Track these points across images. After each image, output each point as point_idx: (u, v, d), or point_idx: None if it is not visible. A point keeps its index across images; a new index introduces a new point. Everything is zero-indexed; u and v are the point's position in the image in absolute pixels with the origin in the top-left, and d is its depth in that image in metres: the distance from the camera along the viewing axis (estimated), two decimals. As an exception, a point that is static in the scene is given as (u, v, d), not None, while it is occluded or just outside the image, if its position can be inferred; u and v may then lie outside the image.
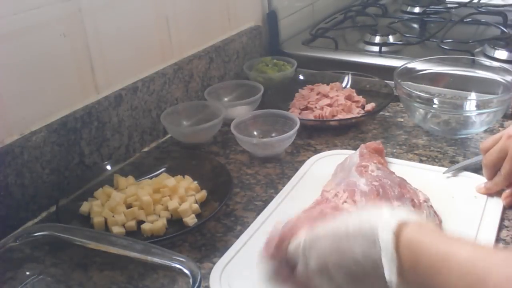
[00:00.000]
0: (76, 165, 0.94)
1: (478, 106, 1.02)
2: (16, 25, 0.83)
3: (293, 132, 1.00)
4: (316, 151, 1.02)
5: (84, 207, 0.86)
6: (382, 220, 0.55)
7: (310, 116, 1.12)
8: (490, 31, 1.44)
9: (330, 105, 1.13)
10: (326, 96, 1.16)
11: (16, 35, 0.84)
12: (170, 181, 0.89)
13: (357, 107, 1.15)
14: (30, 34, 0.85)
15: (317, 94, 1.17)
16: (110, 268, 0.71)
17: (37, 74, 0.88)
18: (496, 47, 1.27)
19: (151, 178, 0.93)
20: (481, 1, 1.65)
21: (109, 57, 1.00)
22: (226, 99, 1.20)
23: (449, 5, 1.68)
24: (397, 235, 0.54)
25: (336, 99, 1.14)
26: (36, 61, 0.87)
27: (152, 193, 0.87)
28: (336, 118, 1.10)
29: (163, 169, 0.95)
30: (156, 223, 0.83)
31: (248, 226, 0.82)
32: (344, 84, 1.23)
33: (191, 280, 0.64)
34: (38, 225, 0.85)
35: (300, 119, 1.03)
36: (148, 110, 1.08)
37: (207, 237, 0.82)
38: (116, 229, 0.82)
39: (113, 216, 0.84)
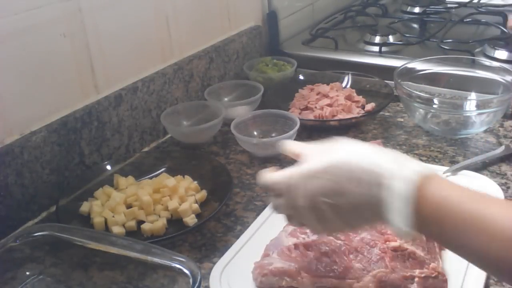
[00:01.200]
0: (76, 165, 0.94)
1: (478, 106, 1.02)
2: (16, 25, 0.83)
3: (293, 132, 1.00)
4: (316, 151, 1.02)
5: (84, 207, 0.86)
6: (397, 170, 0.54)
7: (310, 116, 1.12)
8: (490, 31, 1.44)
9: (330, 105, 1.13)
10: (326, 96, 1.16)
11: (16, 35, 0.84)
12: (170, 181, 0.89)
13: (357, 107, 1.15)
14: (30, 34, 0.86)
15: (317, 94, 1.17)
16: (110, 268, 0.71)
17: (37, 74, 0.88)
18: (496, 47, 1.27)
19: (151, 178, 0.93)
20: (481, 1, 1.65)
21: (109, 57, 1.00)
22: (226, 99, 1.20)
23: (449, 5, 1.68)
24: (420, 188, 0.53)
25: (336, 99, 1.14)
26: (36, 61, 0.87)
27: (152, 193, 0.87)
28: (336, 118, 1.10)
29: (163, 169, 0.95)
30: (156, 223, 0.83)
31: (248, 226, 0.82)
32: (344, 84, 1.23)
33: (191, 280, 0.64)
34: (38, 225, 0.85)
35: (300, 119, 1.03)
36: (148, 110, 1.08)
37: (207, 237, 0.82)
38: (116, 229, 0.82)
39: (113, 216, 0.84)
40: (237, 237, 0.80)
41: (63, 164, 0.92)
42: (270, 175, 0.65)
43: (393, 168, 0.54)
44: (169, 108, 1.10)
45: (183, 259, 0.67)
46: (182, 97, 1.16)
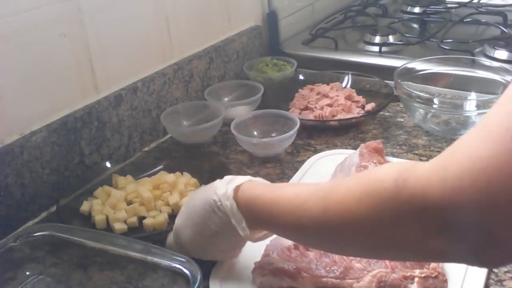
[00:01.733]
0: (76, 165, 0.94)
1: (478, 106, 1.02)
2: (16, 25, 0.83)
3: (293, 132, 1.00)
4: (316, 151, 1.02)
5: (85, 206, 0.86)
6: (219, 192, 0.66)
7: (310, 116, 1.12)
8: (490, 31, 1.44)
9: (330, 105, 1.13)
10: (326, 96, 1.16)
11: (16, 35, 0.84)
12: (170, 177, 0.89)
13: (357, 107, 1.15)
14: (30, 34, 0.85)
15: (317, 94, 1.17)
16: (110, 268, 0.71)
17: (37, 74, 0.88)
18: (496, 47, 1.27)
19: (149, 176, 0.93)
20: (481, 1, 1.65)
21: (109, 57, 1.00)
22: (226, 99, 1.20)
23: (449, 5, 1.68)
24: (236, 199, 0.65)
25: (336, 99, 1.14)
26: (36, 61, 0.87)
27: (152, 189, 0.87)
28: (336, 118, 1.10)
29: (160, 167, 0.95)
30: (158, 218, 0.83)
31: (248, 226, 0.82)
32: (344, 84, 1.23)
33: (191, 280, 0.64)
34: (38, 225, 0.85)
35: (300, 119, 1.03)
36: (148, 110, 1.08)
37: (207, 237, 0.82)
38: (118, 226, 0.82)
39: (114, 213, 0.84)
40: (237, 237, 0.80)
41: (63, 164, 0.92)
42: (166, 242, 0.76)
43: (221, 191, 0.66)
44: (169, 108, 1.10)
45: (183, 259, 0.67)
46: (182, 97, 1.16)
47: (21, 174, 0.85)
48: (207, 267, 0.75)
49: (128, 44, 1.04)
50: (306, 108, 1.15)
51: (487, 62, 1.15)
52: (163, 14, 1.11)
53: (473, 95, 1.11)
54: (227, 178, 0.69)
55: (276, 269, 0.69)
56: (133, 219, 0.83)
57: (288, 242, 0.72)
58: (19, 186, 0.85)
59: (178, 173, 0.92)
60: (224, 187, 0.67)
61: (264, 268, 0.70)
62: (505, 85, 1.05)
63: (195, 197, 0.72)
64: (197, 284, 0.63)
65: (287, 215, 0.60)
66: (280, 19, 1.44)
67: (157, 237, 0.78)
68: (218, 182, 0.69)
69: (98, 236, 0.74)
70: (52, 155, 0.90)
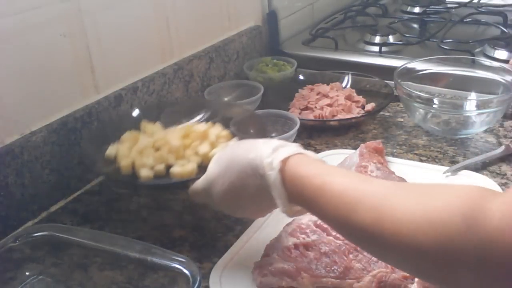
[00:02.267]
0: (76, 165, 0.94)
1: (478, 106, 1.02)
2: (16, 25, 0.83)
3: (293, 132, 1.00)
4: (316, 151, 1.02)
5: (111, 150, 0.82)
6: (265, 160, 0.62)
7: (310, 116, 1.12)
8: (490, 31, 1.44)
9: (330, 105, 1.13)
10: (326, 96, 1.16)
11: (16, 35, 0.84)
12: (201, 126, 0.84)
13: (357, 107, 1.15)
14: (30, 34, 0.85)
15: (317, 94, 1.17)
16: (110, 268, 0.71)
17: (37, 74, 0.88)
18: (496, 47, 1.27)
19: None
20: (481, 1, 1.65)
21: (109, 57, 1.00)
22: (226, 99, 1.20)
23: (449, 5, 1.68)
24: (282, 171, 0.61)
25: (336, 99, 1.14)
26: (36, 61, 0.87)
27: (181, 138, 0.82)
28: (336, 118, 1.10)
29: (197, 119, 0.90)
30: (186, 167, 0.78)
31: (248, 226, 0.82)
32: (344, 84, 1.23)
33: (191, 280, 0.64)
34: (38, 225, 0.85)
35: (300, 119, 1.03)
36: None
37: (207, 237, 0.82)
38: (144, 172, 0.78)
39: (141, 159, 0.79)
40: (237, 237, 0.80)
41: (63, 164, 0.92)
42: (191, 187, 0.74)
43: (267, 159, 0.63)
44: (169, 108, 1.10)
45: (183, 259, 0.67)
46: (182, 97, 1.16)
47: (21, 174, 0.85)
48: (207, 267, 0.75)
49: (128, 44, 1.04)
50: (306, 108, 1.15)
51: (487, 62, 1.15)
52: (163, 14, 1.11)
53: (473, 95, 1.11)
54: (273, 143, 0.64)
55: (276, 269, 0.69)
56: (160, 167, 0.79)
57: (288, 242, 0.72)
58: (19, 186, 0.85)
59: (210, 123, 0.87)
60: (270, 156, 0.62)
61: (264, 268, 0.70)
62: (505, 85, 1.05)
63: (235, 153, 0.68)
64: (197, 284, 0.63)
65: (333, 210, 0.56)
66: (280, 19, 1.44)
67: (182, 184, 0.75)
68: (263, 146, 0.65)
69: (98, 236, 0.74)
70: (52, 155, 0.90)
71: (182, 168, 0.79)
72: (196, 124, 0.86)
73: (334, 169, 0.62)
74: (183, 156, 0.82)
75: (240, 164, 0.66)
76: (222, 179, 0.68)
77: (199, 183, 0.72)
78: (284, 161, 0.62)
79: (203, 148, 0.81)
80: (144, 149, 0.81)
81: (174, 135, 0.83)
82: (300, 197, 0.61)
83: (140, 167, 0.79)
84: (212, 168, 0.70)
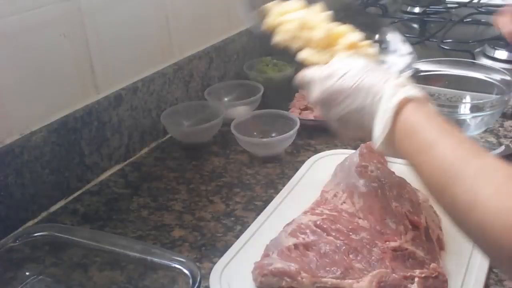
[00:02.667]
0: (76, 165, 0.94)
1: (472, 109, 1.01)
2: (16, 25, 0.83)
3: (293, 132, 1.00)
4: (316, 151, 1.02)
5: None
6: (386, 92, 0.63)
7: (310, 116, 1.12)
8: (490, 31, 1.44)
9: (330, 105, 1.13)
10: (326, 96, 1.16)
11: (16, 35, 0.84)
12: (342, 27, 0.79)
13: (357, 107, 1.14)
14: (30, 34, 0.85)
15: (317, 94, 1.17)
16: (110, 268, 0.71)
17: (37, 74, 0.88)
18: (496, 47, 1.27)
19: None
20: (481, 1, 1.65)
21: (109, 57, 1.00)
22: (226, 99, 1.20)
23: (449, 5, 1.68)
24: (399, 108, 0.61)
25: (336, 99, 1.13)
26: (36, 61, 0.87)
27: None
28: (336, 118, 1.10)
29: None
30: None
31: (248, 226, 0.82)
32: (344, 84, 1.22)
33: (191, 280, 0.64)
34: (38, 225, 0.85)
35: (300, 119, 1.03)
36: (148, 110, 1.08)
37: (207, 237, 0.82)
38: (306, 53, 0.77)
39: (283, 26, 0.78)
40: (237, 237, 0.80)
41: (63, 164, 0.92)
42: (303, 73, 0.75)
43: (389, 89, 0.63)
44: (169, 108, 1.10)
45: (183, 259, 0.67)
46: (182, 97, 1.16)
47: (21, 174, 0.85)
48: (207, 267, 0.75)
49: (128, 44, 1.04)
50: (306, 108, 1.14)
51: (486, 62, 1.15)
52: (163, 14, 1.11)
53: (467, 98, 1.11)
54: (399, 82, 0.64)
55: (276, 269, 0.69)
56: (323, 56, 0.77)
57: (288, 242, 0.72)
58: (19, 186, 0.85)
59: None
60: (392, 89, 0.63)
61: (264, 268, 0.70)
62: (501, 87, 1.05)
63: (367, 68, 0.68)
64: (197, 284, 0.63)
65: (431, 171, 0.56)
66: (280, 19, 1.43)
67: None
68: (390, 77, 0.65)
69: (98, 236, 0.74)
70: (52, 155, 0.90)
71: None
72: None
73: (448, 131, 0.59)
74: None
75: (364, 84, 0.66)
76: (341, 87, 0.68)
77: (310, 73, 0.73)
78: (404, 100, 0.62)
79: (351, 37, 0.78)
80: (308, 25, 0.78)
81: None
82: (403, 141, 0.61)
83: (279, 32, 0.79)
84: (334, 69, 0.69)
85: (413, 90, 0.63)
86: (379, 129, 0.63)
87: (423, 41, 1.38)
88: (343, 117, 0.69)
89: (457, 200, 0.52)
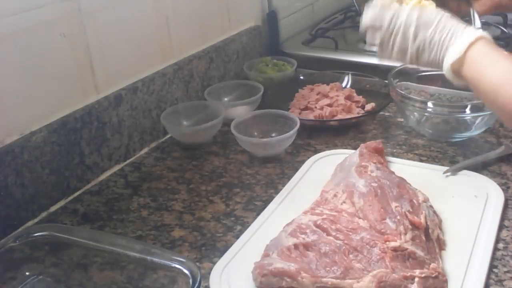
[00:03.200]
0: (76, 165, 0.94)
1: (472, 109, 1.01)
2: (16, 25, 0.83)
3: (293, 132, 1.00)
4: (316, 151, 1.02)
5: None
6: (466, 30, 0.77)
7: (310, 116, 1.12)
8: (490, 31, 1.43)
9: (330, 105, 1.13)
10: (326, 96, 1.16)
11: (16, 35, 0.84)
12: None
13: (357, 107, 1.15)
14: (30, 34, 0.85)
15: (317, 94, 1.17)
16: (110, 268, 0.71)
17: (37, 74, 0.88)
18: (496, 47, 1.27)
19: None
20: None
21: (109, 57, 1.00)
22: (226, 99, 1.20)
23: (449, 5, 1.67)
24: (471, 44, 0.75)
25: (336, 99, 1.14)
26: (36, 61, 0.87)
27: None
28: (336, 118, 1.10)
29: None
30: None
31: (248, 226, 0.82)
32: (344, 84, 1.23)
33: (191, 280, 0.64)
34: (38, 225, 0.85)
35: (300, 119, 1.03)
36: (148, 110, 1.08)
37: (207, 237, 0.82)
38: None
39: None
40: (237, 237, 0.80)
41: (63, 164, 0.92)
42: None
43: (462, 31, 0.77)
44: (169, 108, 1.10)
45: (182, 259, 0.67)
46: (182, 97, 1.16)
47: (21, 174, 0.85)
48: (207, 267, 0.75)
49: (128, 44, 1.04)
50: (306, 108, 1.15)
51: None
52: (163, 14, 1.11)
53: (471, 96, 1.11)
54: (460, 28, 0.77)
55: (276, 269, 0.69)
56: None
57: (288, 242, 0.72)
58: (19, 186, 0.85)
59: None
60: (467, 29, 0.76)
61: (264, 268, 0.70)
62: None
63: (436, 19, 0.78)
64: (196, 284, 0.63)
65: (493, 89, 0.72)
66: (280, 19, 1.44)
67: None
68: (457, 23, 0.78)
69: (98, 236, 0.74)
70: (52, 155, 0.90)
71: None
72: None
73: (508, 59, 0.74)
74: None
75: (442, 21, 0.78)
76: (417, 14, 0.79)
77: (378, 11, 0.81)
78: (479, 38, 0.75)
79: None
80: None
81: None
82: (465, 71, 0.76)
83: None
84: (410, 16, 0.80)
85: (481, 33, 0.77)
86: (449, 58, 0.76)
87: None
88: (418, 46, 0.79)
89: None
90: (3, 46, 0.82)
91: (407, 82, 1.11)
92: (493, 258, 0.74)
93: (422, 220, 0.75)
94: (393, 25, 0.80)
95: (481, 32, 0.77)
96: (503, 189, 0.87)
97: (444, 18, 0.79)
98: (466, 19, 0.88)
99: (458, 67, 0.76)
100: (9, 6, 0.82)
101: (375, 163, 0.87)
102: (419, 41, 0.79)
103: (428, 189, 0.84)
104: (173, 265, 0.67)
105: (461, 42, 0.75)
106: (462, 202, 0.84)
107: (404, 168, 0.93)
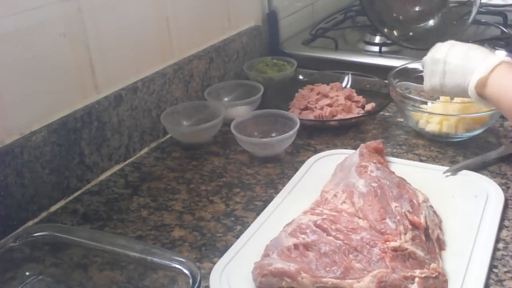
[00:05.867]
0: (76, 165, 0.94)
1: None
2: (16, 25, 0.83)
3: (293, 132, 1.00)
4: (316, 151, 1.02)
5: None
6: (491, 56, 0.85)
7: (310, 116, 1.12)
8: (490, 31, 1.44)
9: (330, 105, 1.13)
10: (326, 96, 1.16)
11: (16, 35, 0.84)
12: None
13: (357, 107, 1.15)
14: (30, 34, 0.85)
15: (317, 94, 1.17)
16: (110, 268, 0.71)
17: (37, 74, 0.88)
18: (496, 47, 1.27)
19: None
20: (481, 1, 1.65)
21: (109, 57, 1.00)
22: (226, 99, 1.20)
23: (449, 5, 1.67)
24: (495, 66, 0.82)
25: (336, 99, 1.14)
26: (36, 61, 0.87)
27: None
28: (336, 118, 1.10)
29: None
30: None
31: (248, 226, 0.82)
32: (344, 84, 1.23)
33: (191, 280, 0.64)
34: (38, 225, 0.85)
35: (300, 119, 1.03)
36: (148, 110, 1.08)
37: (207, 237, 0.82)
38: None
39: None
40: (237, 237, 0.80)
41: (63, 164, 0.92)
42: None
43: (483, 60, 0.85)
44: (169, 108, 1.10)
45: (182, 259, 0.67)
46: (182, 97, 1.16)
47: (21, 174, 0.85)
48: (207, 267, 0.75)
49: (128, 44, 1.04)
50: (306, 108, 1.15)
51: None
52: (163, 14, 1.11)
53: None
54: (485, 53, 0.86)
55: (276, 269, 0.69)
56: None
57: (288, 242, 0.72)
58: (19, 186, 0.85)
59: None
60: (490, 55, 0.85)
61: (264, 268, 0.70)
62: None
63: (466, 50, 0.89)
64: (196, 284, 0.63)
65: None
66: (280, 19, 1.44)
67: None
68: (480, 51, 0.87)
69: (98, 236, 0.74)
70: (52, 155, 0.90)
71: None
72: None
73: None
74: None
75: (466, 52, 0.88)
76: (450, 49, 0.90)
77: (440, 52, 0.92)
78: (500, 63, 0.82)
79: None
80: None
81: None
82: (489, 93, 0.83)
83: None
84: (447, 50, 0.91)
85: (506, 58, 0.84)
86: (472, 81, 0.84)
87: (423, 41, 1.38)
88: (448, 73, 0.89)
89: None
90: (3, 46, 0.82)
91: (407, 82, 1.11)
92: (493, 258, 0.74)
93: (422, 220, 0.75)
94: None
95: (504, 57, 0.84)
96: (503, 189, 0.87)
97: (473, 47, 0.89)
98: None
99: (482, 88, 0.83)
100: (9, 6, 0.82)
101: (375, 163, 0.87)
102: (447, 67, 0.89)
103: (428, 189, 0.85)
104: (173, 265, 0.67)
105: (486, 65, 0.83)
106: (462, 202, 0.84)
107: (404, 168, 0.93)
